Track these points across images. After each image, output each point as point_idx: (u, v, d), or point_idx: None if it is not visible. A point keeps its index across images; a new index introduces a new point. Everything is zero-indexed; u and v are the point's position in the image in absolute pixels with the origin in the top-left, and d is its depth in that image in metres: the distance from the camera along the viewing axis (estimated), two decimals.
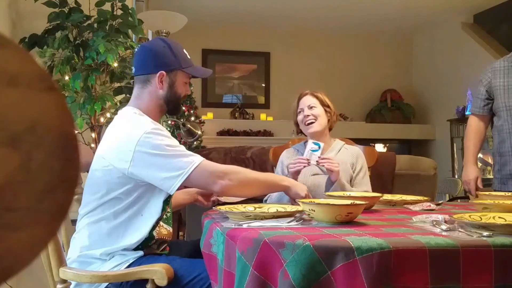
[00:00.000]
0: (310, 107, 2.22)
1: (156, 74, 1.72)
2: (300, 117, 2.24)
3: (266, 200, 2.20)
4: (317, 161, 2.08)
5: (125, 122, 1.69)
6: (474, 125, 2.76)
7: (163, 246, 1.76)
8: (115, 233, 1.64)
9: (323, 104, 2.25)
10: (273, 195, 2.16)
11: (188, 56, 1.81)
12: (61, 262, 1.55)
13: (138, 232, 1.64)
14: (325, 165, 2.08)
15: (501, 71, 2.65)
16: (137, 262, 1.62)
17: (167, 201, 1.72)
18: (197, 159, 1.61)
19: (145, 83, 1.75)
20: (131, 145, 1.57)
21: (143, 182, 1.62)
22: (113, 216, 1.64)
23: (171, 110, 1.80)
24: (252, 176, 1.75)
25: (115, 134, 1.68)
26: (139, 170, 1.58)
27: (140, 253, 1.65)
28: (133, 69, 1.80)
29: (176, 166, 1.58)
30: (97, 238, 1.64)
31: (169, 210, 1.80)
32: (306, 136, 2.31)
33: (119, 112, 1.78)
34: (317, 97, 2.25)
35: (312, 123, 2.21)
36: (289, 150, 2.36)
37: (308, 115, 2.20)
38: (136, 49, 1.90)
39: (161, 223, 1.75)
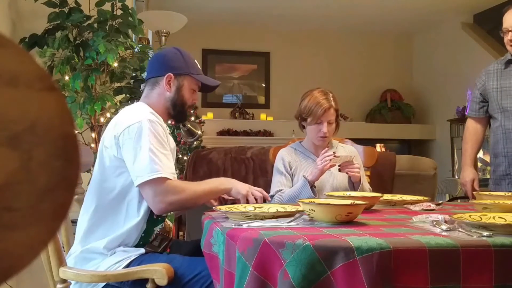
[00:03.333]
0: (330, 123, 2.22)
1: (164, 76, 1.79)
2: (315, 127, 2.22)
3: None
4: (339, 169, 2.14)
5: (126, 111, 1.77)
6: (471, 127, 2.77)
7: (164, 244, 1.77)
8: (117, 223, 1.66)
9: (337, 115, 2.26)
10: (285, 196, 2.16)
11: (199, 66, 1.88)
12: (61, 262, 1.55)
13: (136, 218, 1.67)
14: (348, 173, 2.13)
15: (494, 74, 2.69)
16: (138, 260, 1.63)
17: None
18: (162, 173, 1.60)
19: (154, 85, 1.82)
20: (122, 127, 1.64)
21: None
22: (114, 206, 1.67)
23: (177, 115, 1.84)
24: (196, 192, 1.71)
25: (115, 121, 1.74)
26: (122, 150, 1.64)
27: (142, 250, 1.67)
28: (145, 73, 1.90)
29: (141, 167, 1.60)
30: (101, 231, 1.66)
31: None
32: (304, 128, 2.31)
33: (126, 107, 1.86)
34: (336, 111, 2.24)
35: (324, 137, 2.23)
36: (287, 149, 2.37)
37: (325, 132, 2.20)
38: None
39: (166, 220, 1.77)
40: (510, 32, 2.62)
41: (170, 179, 1.63)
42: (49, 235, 0.38)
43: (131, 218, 1.67)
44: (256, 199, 1.77)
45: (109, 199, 1.67)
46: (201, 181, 1.81)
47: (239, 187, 1.79)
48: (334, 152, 2.10)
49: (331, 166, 2.09)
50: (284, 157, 2.28)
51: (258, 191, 1.80)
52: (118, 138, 1.64)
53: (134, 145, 1.61)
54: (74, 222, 2.43)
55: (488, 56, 6.27)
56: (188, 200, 1.69)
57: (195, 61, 1.88)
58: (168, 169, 1.63)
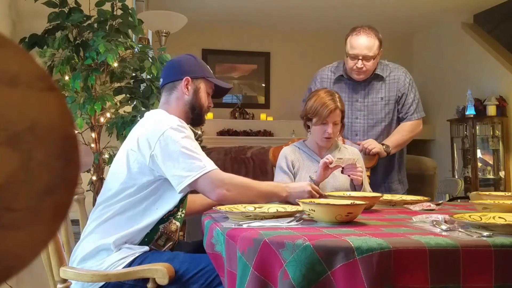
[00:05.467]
0: (335, 124, 2.20)
1: (181, 80, 1.84)
2: (320, 128, 2.20)
3: None
4: (341, 171, 2.13)
5: (154, 117, 1.80)
6: None
7: (169, 245, 1.77)
8: (130, 222, 1.69)
9: (342, 116, 2.24)
10: None
11: (211, 71, 1.94)
12: (61, 262, 1.55)
13: (149, 221, 1.69)
14: (350, 175, 2.12)
15: (327, 83, 2.78)
16: (142, 257, 1.64)
17: (182, 199, 1.76)
18: (209, 166, 1.67)
19: (172, 90, 1.86)
20: (156, 135, 1.66)
21: (161, 176, 1.68)
22: (130, 206, 1.69)
23: (195, 118, 1.88)
24: (253, 188, 1.76)
25: (143, 126, 1.76)
26: (157, 160, 1.65)
27: (146, 248, 1.68)
28: (161, 81, 1.93)
29: (188, 167, 1.64)
30: (113, 226, 1.68)
31: (183, 211, 1.83)
32: (309, 128, 2.29)
33: (146, 113, 1.89)
34: (341, 112, 2.22)
35: (328, 138, 2.22)
36: (290, 147, 2.35)
37: (330, 133, 2.18)
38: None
39: (173, 220, 1.78)
40: (360, 60, 2.58)
41: (218, 169, 1.69)
42: (49, 235, 0.38)
43: (145, 220, 1.69)
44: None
45: (130, 199, 1.70)
46: (259, 182, 1.84)
47: (298, 196, 1.78)
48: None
49: (335, 168, 2.08)
50: (287, 155, 2.27)
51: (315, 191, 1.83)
52: (153, 148, 1.65)
53: (172, 151, 1.64)
54: (74, 222, 2.43)
55: (488, 56, 6.27)
56: (245, 191, 1.73)
57: (208, 66, 1.95)
58: (211, 162, 1.70)
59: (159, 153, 1.65)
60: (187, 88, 1.84)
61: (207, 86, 1.89)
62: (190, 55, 1.94)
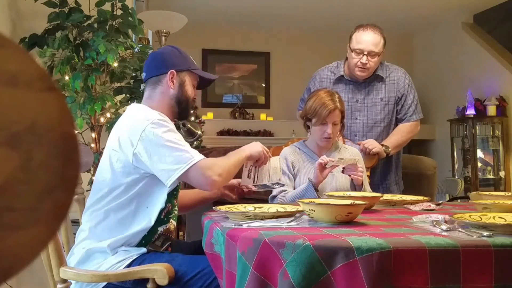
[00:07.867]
0: (335, 125, 2.18)
1: (166, 74, 1.78)
2: (320, 128, 2.19)
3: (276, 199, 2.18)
4: (342, 170, 2.13)
5: (133, 114, 1.75)
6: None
7: (167, 244, 1.76)
8: (122, 225, 1.66)
9: (342, 117, 2.23)
10: (288, 197, 2.14)
11: (195, 62, 1.89)
12: (61, 262, 1.54)
13: (144, 223, 1.67)
14: (350, 175, 2.12)
15: (327, 83, 2.77)
16: (140, 259, 1.63)
17: (174, 195, 1.74)
18: (197, 156, 1.63)
19: (156, 84, 1.81)
20: (137, 133, 1.62)
21: (146, 173, 1.65)
22: (119, 208, 1.67)
23: (181, 112, 1.84)
24: (230, 164, 1.77)
25: (123, 124, 1.72)
26: (141, 158, 1.62)
27: (143, 250, 1.67)
28: (144, 74, 1.86)
29: (176, 160, 1.61)
30: (105, 230, 1.66)
31: (176, 208, 1.82)
32: (309, 128, 2.29)
33: (127, 108, 1.84)
34: (341, 112, 2.21)
35: (328, 138, 2.20)
36: (290, 148, 2.35)
37: (329, 133, 2.17)
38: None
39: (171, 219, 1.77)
40: (365, 56, 2.59)
41: (205, 158, 1.66)
42: (49, 235, 0.38)
43: (140, 222, 1.67)
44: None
45: (118, 201, 1.67)
46: (225, 156, 1.84)
47: (253, 150, 1.89)
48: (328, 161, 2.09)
49: (332, 168, 2.08)
50: (287, 156, 2.26)
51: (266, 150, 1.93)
52: (135, 146, 1.62)
53: (156, 147, 1.61)
54: (74, 222, 2.43)
55: (488, 56, 6.27)
56: (229, 169, 1.73)
57: (191, 57, 1.90)
58: (197, 153, 1.67)
59: (142, 150, 1.61)
60: (173, 82, 1.79)
61: (192, 78, 1.84)
62: (173, 46, 1.89)
